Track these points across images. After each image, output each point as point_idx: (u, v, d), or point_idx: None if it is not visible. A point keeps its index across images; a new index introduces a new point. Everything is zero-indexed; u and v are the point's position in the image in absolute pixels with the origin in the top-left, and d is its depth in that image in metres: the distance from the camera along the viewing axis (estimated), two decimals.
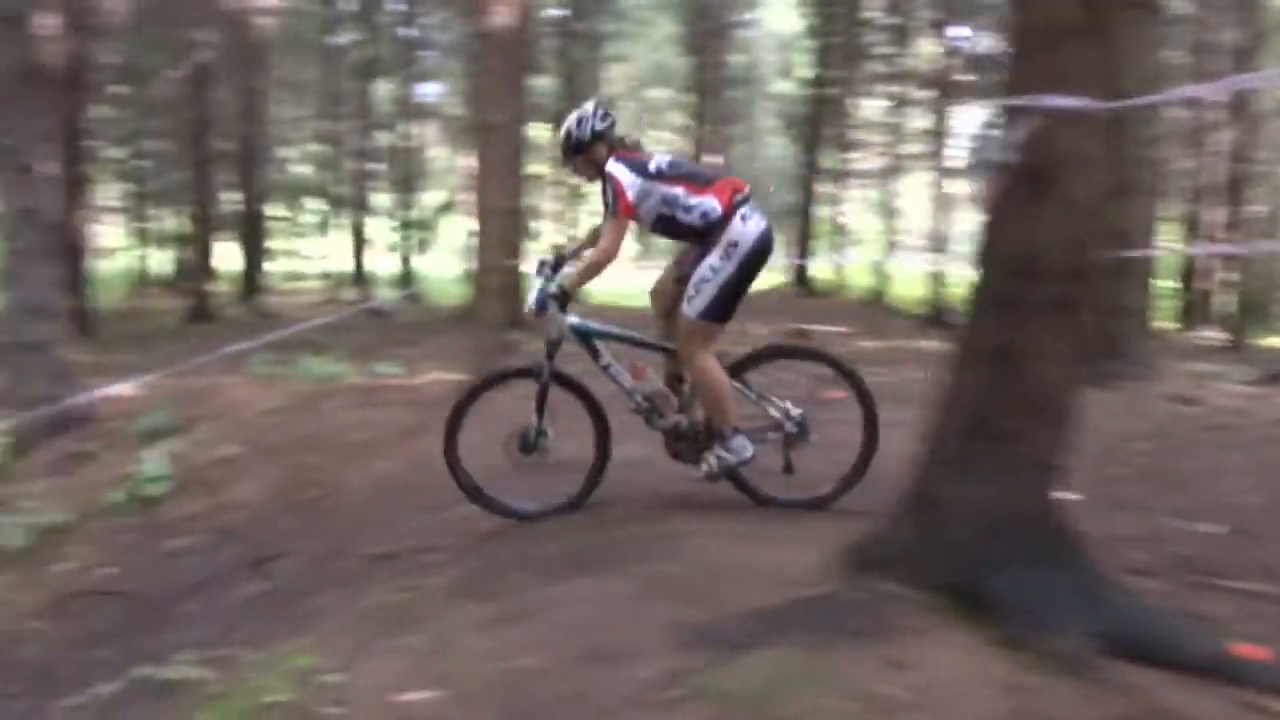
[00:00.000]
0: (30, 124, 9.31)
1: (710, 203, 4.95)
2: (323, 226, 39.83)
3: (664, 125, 39.71)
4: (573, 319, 5.27)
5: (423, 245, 30.30)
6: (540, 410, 5.31)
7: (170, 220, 34.97)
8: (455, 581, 4.70)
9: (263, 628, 5.51)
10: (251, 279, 25.16)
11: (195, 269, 22.02)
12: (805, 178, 25.37)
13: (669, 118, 39.37)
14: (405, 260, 30.08)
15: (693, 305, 4.94)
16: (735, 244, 4.89)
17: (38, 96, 9.38)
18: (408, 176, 31.40)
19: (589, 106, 5.21)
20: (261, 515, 7.23)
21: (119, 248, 34.08)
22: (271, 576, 6.35)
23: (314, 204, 39.49)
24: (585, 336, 5.32)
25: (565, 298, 5.10)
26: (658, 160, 5.09)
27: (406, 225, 31.21)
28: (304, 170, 37.38)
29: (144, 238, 34.60)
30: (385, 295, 23.74)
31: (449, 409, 5.39)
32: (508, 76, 8.91)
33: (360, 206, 31.64)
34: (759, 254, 4.95)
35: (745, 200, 5.00)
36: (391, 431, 8.06)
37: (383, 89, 26.70)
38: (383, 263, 25.62)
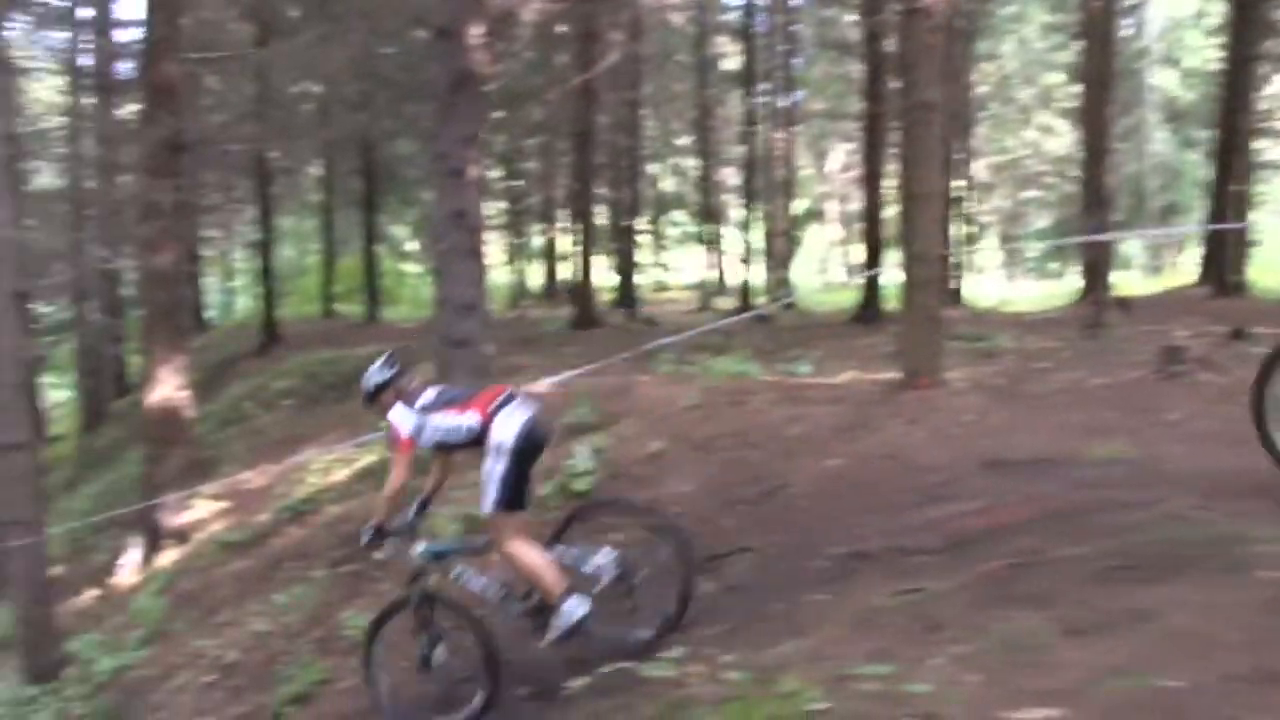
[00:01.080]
0: (460, 130, 9.55)
1: (471, 418, 5.64)
2: (689, 238, 40.54)
3: (1036, 123, 37.83)
4: (419, 545, 6.04)
5: (789, 254, 29.95)
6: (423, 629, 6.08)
7: (542, 236, 36.56)
8: (974, 585, 4.14)
9: (727, 628, 5.16)
10: (626, 289, 25.70)
11: (577, 279, 22.56)
12: (1219, 174, 23.00)
13: (1044, 114, 37.40)
14: (773, 269, 29.84)
15: (485, 503, 5.63)
16: (499, 444, 5.52)
17: (468, 104, 9.60)
18: (773, 185, 31.24)
19: (378, 363, 6.12)
20: (700, 511, 6.92)
21: (497, 263, 35.71)
22: (722, 576, 6.00)
23: (680, 216, 40.28)
24: (436, 557, 6.06)
25: (383, 534, 5.97)
26: (426, 396, 5.87)
27: (772, 235, 30.99)
28: (671, 184, 38.18)
29: (518, 253, 36.19)
30: (763, 303, 23.56)
31: None
32: (936, 55, 8.30)
33: (724, 218, 31.81)
34: (526, 442, 5.58)
35: (505, 403, 5.67)
36: (827, 429, 7.61)
37: (749, 99, 26.51)
38: (746, 273, 25.41)
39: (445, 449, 5.96)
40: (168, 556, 12.89)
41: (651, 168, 36.35)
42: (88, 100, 22.76)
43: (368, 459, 11.34)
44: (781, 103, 26.78)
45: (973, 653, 3.30)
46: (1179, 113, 35.62)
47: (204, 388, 17.46)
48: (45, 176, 24.08)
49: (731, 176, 37.08)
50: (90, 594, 13.11)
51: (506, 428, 5.56)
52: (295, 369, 18.43)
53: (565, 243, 34.04)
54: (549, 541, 5.87)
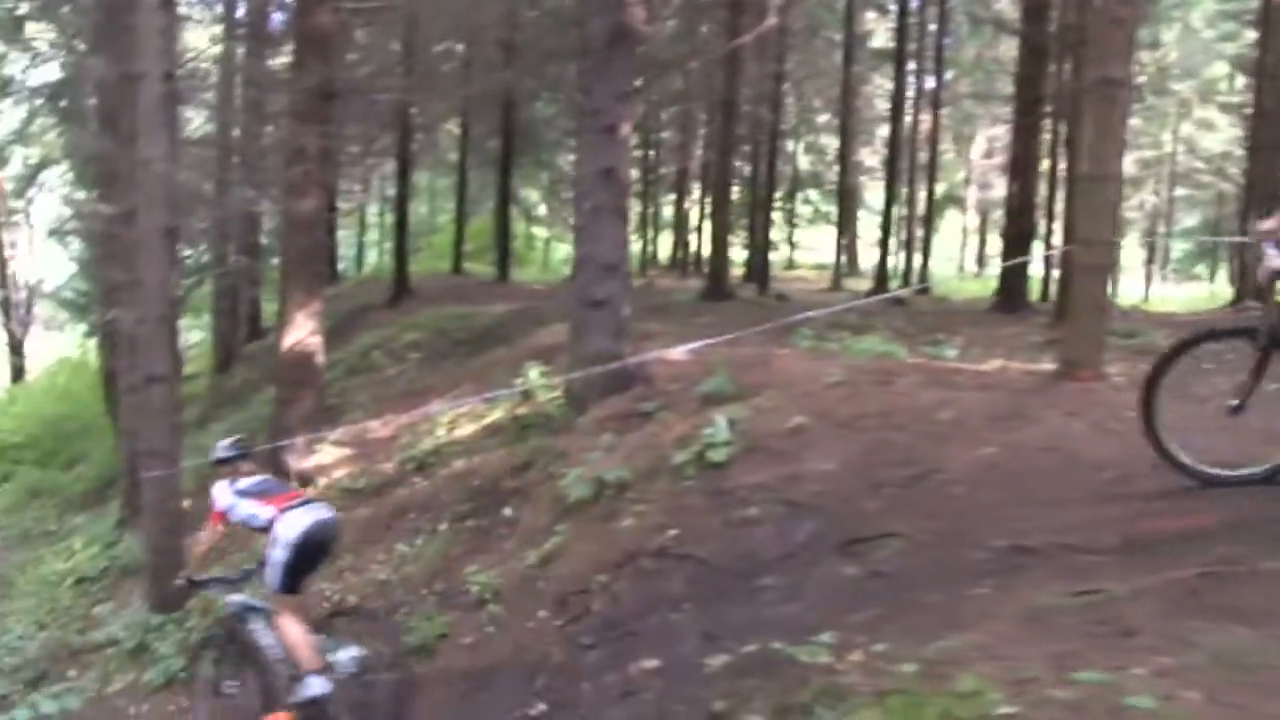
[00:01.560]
0: (615, 85, 9.31)
1: (267, 511, 6.76)
2: (820, 218, 39.99)
3: (1194, 118, 36.32)
4: (239, 596, 7.20)
5: (926, 239, 29.26)
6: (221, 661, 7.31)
7: (673, 206, 36.34)
8: (1163, 591, 3.79)
9: (874, 614, 4.86)
10: (758, 264, 25.37)
11: (714, 251, 22.29)
12: None
13: (1204, 109, 35.87)
14: (908, 253, 29.23)
15: (269, 583, 6.70)
16: (284, 539, 6.56)
17: (623, 59, 9.36)
18: (915, 168, 30.56)
19: (229, 440, 7.65)
20: (842, 492, 6.62)
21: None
22: (866, 560, 5.70)
23: (814, 195, 39.72)
24: (247, 609, 7.11)
25: (193, 583, 7.49)
26: (247, 483, 7.10)
27: (910, 219, 30.33)
28: (807, 162, 37.63)
29: (647, 222, 36.00)
30: (896, 286, 23.04)
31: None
32: (1125, 29, 7.82)
33: (860, 199, 31.24)
34: (306, 540, 6.61)
35: (299, 505, 6.84)
36: (979, 416, 7.23)
37: (898, 78, 25.80)
38: (882, 255, 24.80)
39: (248, 528, 7.07)
40: None
41: (789, 144, 35.81)
42: (239, 49, 23.11)
43: (496, 414, 11.25)
44: (930, 83, 26.04)
45: (1181, 667, 2.97)
46: None
47: (333, 336, 17.55)
48: (195, 122, 24.53)
49: (869, 157, 36.45)
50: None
51: (292, 526, 6.60)
52: (425, 322, 18.48)
53: (695, 215, 33.84)
54: (316, 627, 6.87)
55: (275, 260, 32.56)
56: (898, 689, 3.54)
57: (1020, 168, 19.68)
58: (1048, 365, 9.25)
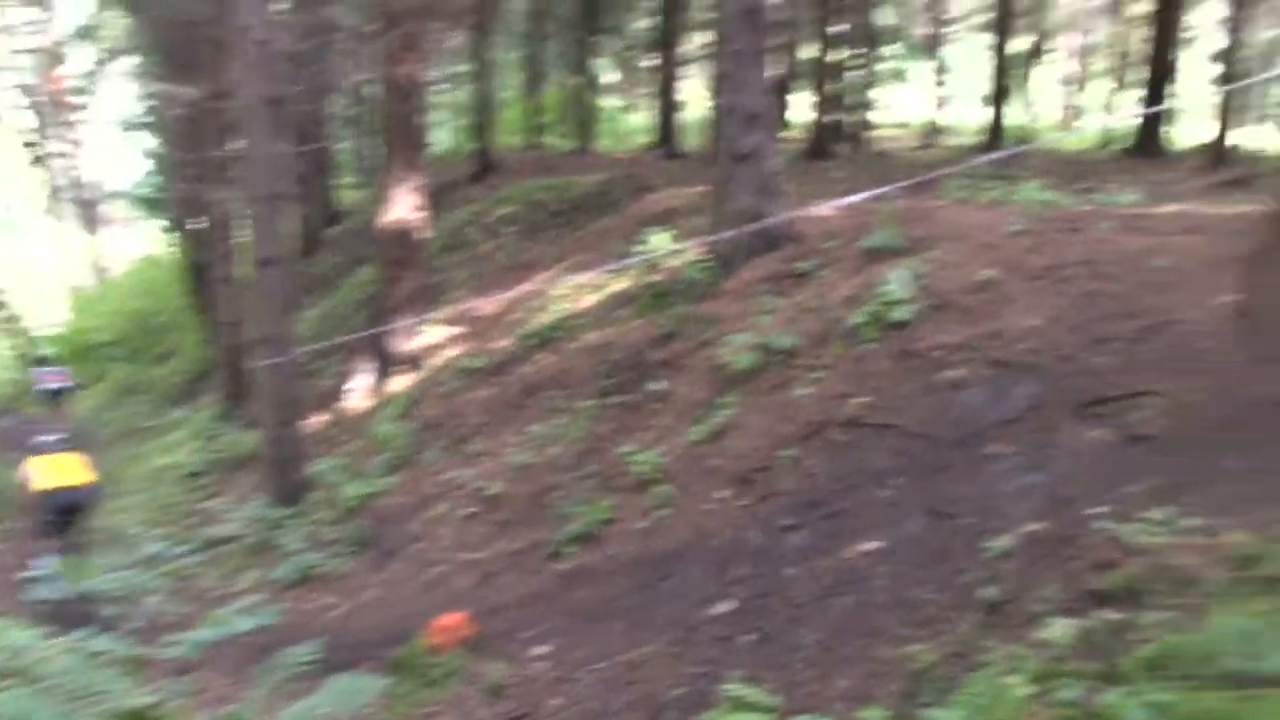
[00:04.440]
0: None
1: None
2: (898, 75, 38.38)
3: None
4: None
5: (1013, 92, 27.80)
6: None
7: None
8: None
9: (1160, 487, 4.21)
10: (850, 122, 24.34)
11: (817, 108, 21.33)
12: None
13: None
14: (997, 106, 27.85)
15: None
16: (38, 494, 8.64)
17: None
18: (1003, 17, 28.95)
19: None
20: (1059, 349, 5.93)
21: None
22: (1117, 423, 5.03)
23: (892, 50, 38.07)
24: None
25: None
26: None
27: (1001, 71, 28.84)
28: (889, 14, 35.92)
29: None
30: (985, 142, 21.96)
31: None
32: None
33: (943, 53, 29.78)
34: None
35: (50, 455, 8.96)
36: (1199, 261, 6.48)
37: None
38: (990, 107, 23.54)
39: None
40: (400, 382, 12.56)
41: None
42: None
43: (621, 284, 10.61)
44: None
45: None
46: None
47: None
48: None
49: (957, 6, 34.77)
50: (320, 418, 12.91)
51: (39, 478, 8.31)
52: (516, 196, 17.78)
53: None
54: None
55: (343, 144, 32.23)
56: None
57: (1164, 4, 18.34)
58: (1239, 208, 8.41)
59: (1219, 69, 19.58)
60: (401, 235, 12.82)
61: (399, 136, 12.37)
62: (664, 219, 12.00)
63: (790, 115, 27.00)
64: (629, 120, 37.49)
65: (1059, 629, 3.48)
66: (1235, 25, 18.88)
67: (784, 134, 24.47)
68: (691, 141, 24.17)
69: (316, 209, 25.80)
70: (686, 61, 27.74)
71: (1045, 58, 37.21)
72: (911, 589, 4.59)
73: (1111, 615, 3.42)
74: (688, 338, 8.45)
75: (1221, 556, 3.34)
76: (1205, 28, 27.80)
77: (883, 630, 4.42)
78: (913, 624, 4.34)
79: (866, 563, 5.05)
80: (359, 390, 13.22)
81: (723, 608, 5.40)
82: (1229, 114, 16.98)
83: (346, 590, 8.50)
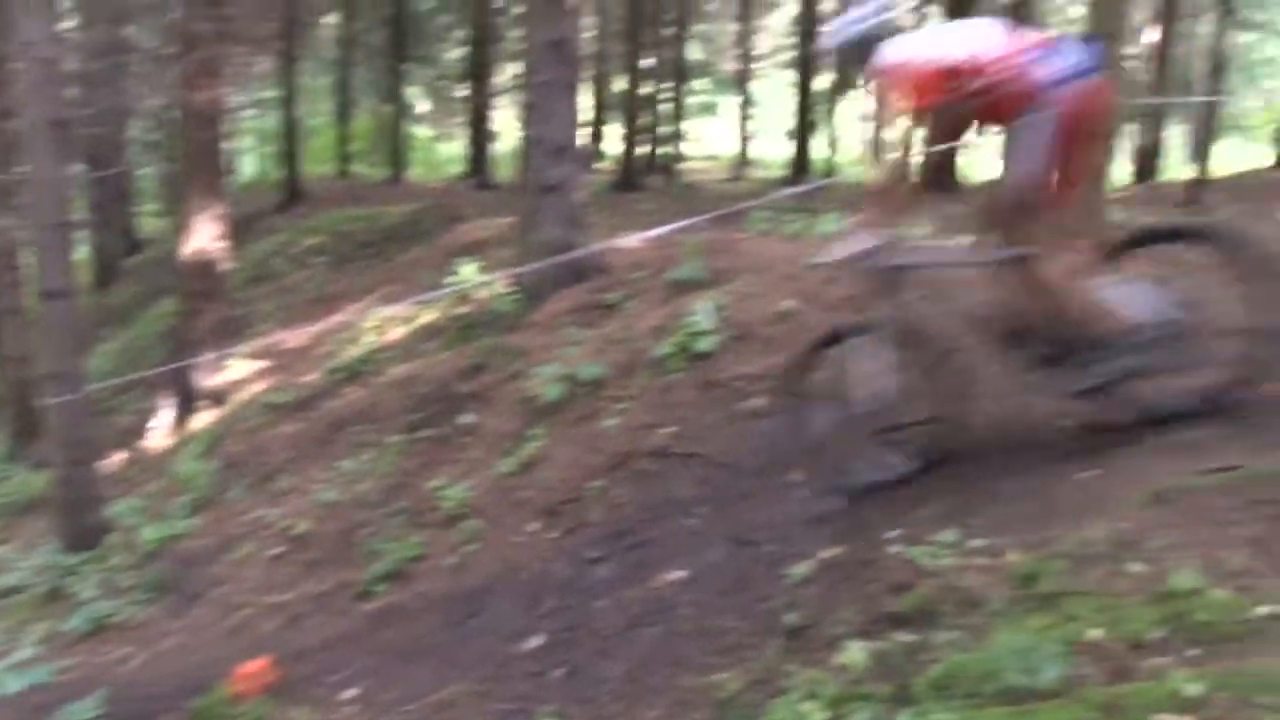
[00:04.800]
0: None
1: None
2: (707, 109, 39.28)
3: None
4: None
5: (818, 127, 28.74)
6: None
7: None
8: None
9: (950, 510, 4.39)
10: (660, 155, 24.76)
11: (625, 142, 21.60)
12: None
13: None
14: (801, 139, 28.73)
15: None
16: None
17: None
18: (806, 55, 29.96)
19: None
20: None
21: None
22: (913, 448, 5.20)
23: (701, 84, 38.93)
24: None
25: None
26: None
27: (805, 107, 29.79)
28: (696, 50, 36.71)
29: None
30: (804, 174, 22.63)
31: None
32: None
33: (750, 88, 30.59)
34: None
35: None
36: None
37: None
38: (794, 141, 24.28)
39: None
40: (203, 418, 12.15)
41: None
42: None
43: (429, 316, 10.50)
44: None
45: None
46: None
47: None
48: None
49: (763, 44, 35.78)
50: (118, 458, 12.37)
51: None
52: (325, 226, 17.45)
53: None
54: None
55: (144, 171, 31.07)
56: (1072, 590, 3.06)
57: None
58: None
59: None
60: (203, 266, 12.44)
61: (199, 164, 12.00)
62: (474, 250, 11.95)
63: (603, 147, 27.35)
64: (441, 150, 37.29)
65: (856, 652, 3.57)
66: None
67: (597, 166, 24.87)
68: (504, 172, 24.20)
69: (115, 237, 24.84)
70: (499, 92, 27.78)
71: (848, 94, 38.66)
72: (716, 617, 4.66)
73: (905, 637, 3.54)
74: (496, 370, 8.41)
75: (1004, 576, 3.49)
76: None
77: (688, 660, 4.46)
78: (717, 652, 4.39)
79: (672, 592, 5.10)
80: (160, 427, 12.74)
81: (533, 642, 5.36)
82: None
83: (144, 639, 8.11)
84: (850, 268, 4.87)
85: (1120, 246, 4.73)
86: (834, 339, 5.19)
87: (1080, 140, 4.30)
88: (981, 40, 4.39)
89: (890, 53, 4.48)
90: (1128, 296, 4.50)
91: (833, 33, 4.76)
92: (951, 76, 4.30)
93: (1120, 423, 4.46)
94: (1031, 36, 4.46)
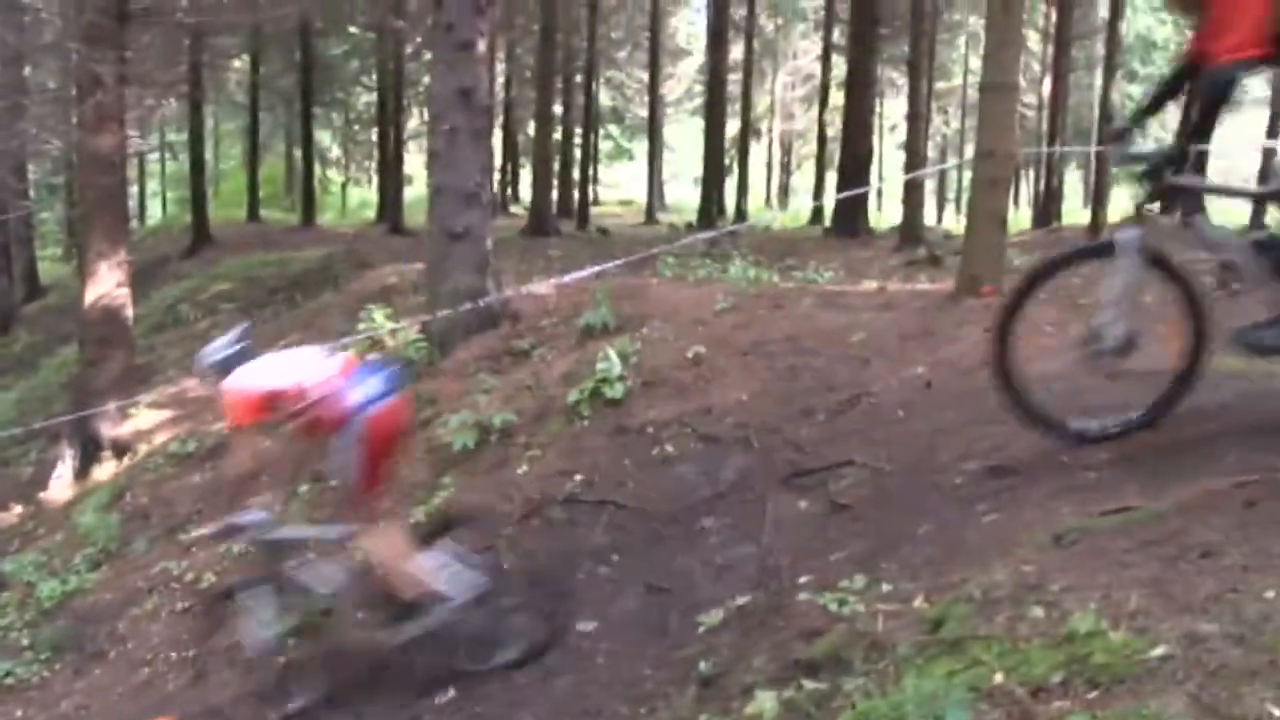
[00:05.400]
0: None
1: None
2: (620, 154, 39.64)
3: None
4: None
5: (742, 172, 29.16)
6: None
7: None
8: (1213, 505, 3.50)
9: (859, 554, 4.44)
10: (576, 201, 24.89)
11: (536, 187, 21.66)
12: None
13: None
14: (708, 187, 29.09)
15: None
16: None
17: None
18: (723, 101, 30.36)
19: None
20: (766, 423, 6.19)
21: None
22: (821, 494, 5.27)
23: (614, 130, 39.31)
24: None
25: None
26: None
27: (714, 153, 30.17)
28: (607, 96, 37.04)
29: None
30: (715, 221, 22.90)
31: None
32: None
33: (661, 134, 30.91)
34: None
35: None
36: (893, 336, 6.92)
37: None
38: (703, 188, 24.58)
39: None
40: (107, 469, 11.86)
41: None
42: None
43: None
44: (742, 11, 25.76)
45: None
46: None
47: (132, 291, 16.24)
48: None
49: (673, 91, 36.19)
50: (16, 510, 12.03)
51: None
52: (233, 271, 17.24)
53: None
54: None
55: (45, 214, 30.41)
56: (976, 635, 3.10)
57: (857, 91, 19.49)
58: (927, 285, 9.05)
59: (905, 157, 21.07)
60: (106, 312, 12.19)
61: (101, 209, 11.78)
62: (384, 296, 11.86)
63: (515, 193, 27.42)
64: (353, 195, 37.08)
65: (767, 701, 3.57)
66: (917, 117, 20.33)
67: (510, 211, 24.91)
68: (416, 217, 24.11)
69: (15, 282, 24.25)
70: (411, 137, 27.72)
71: (756, 141, 39.23)
72: (630, 666, 4.64)
73: (816, 685, 3.55)
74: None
75: (911, 620, 3.52)
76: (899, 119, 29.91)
77: (602, 710, 4.44)
78: (632, 701, 4.37)
79: (587, 641, 5.08)
80: (62, 479, 12.40)
81: (447, 695, 5.30)
82: (918, 198, 18.31)
83: (43, 701, 7.85)
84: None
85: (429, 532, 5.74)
86: (229, 594, 6.07)
87: (383, 449, 5.24)
88: (307, 369, 5.26)
89: (234, 377, 5.24)
90: (438, 567, 5.35)
91: (207, 354, 5.43)
92: (275, 399, 5.13)
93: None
94: (347, 363, 5.52)
